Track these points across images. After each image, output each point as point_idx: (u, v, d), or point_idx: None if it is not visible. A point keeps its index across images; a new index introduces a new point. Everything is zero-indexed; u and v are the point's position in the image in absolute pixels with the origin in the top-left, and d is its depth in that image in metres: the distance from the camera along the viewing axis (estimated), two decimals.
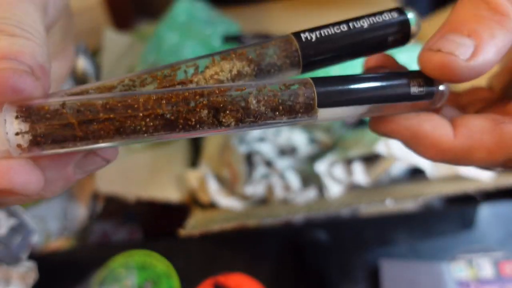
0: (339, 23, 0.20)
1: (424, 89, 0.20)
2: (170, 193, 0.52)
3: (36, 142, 0.16)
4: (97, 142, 0.16)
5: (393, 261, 0.46)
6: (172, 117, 0.17)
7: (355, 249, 0.47)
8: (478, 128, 0.19)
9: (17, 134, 0.16)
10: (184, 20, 0.58)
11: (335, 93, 0.18)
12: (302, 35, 0.20)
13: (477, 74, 0.18)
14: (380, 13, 0.20)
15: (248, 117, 0.17)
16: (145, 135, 0.17)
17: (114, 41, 0.62)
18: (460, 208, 0.52)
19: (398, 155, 0.46)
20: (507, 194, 0.51)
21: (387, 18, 0.20)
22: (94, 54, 0.59)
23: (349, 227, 0.49)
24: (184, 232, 0.45)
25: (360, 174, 0.48)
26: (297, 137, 0.53)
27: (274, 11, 0.67)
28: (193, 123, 0.17)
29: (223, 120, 0.17)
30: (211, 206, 0.51)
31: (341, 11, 0.62)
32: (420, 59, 0.19)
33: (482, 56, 0.17)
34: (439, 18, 0.58)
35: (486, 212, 0.50)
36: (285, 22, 0.64)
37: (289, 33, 0.21)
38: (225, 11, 0.65)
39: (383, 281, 0.44)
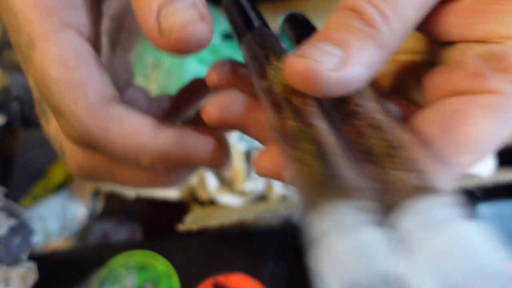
0: None
1: None
2: (170, 190, 0.52)
3: None
4: None
5: None
6: None
7: None
8: None
9: None
10: None
11: None
12: None
13: (343, 87, 0.16)
14: None
15: None
16: None
17: None
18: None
19: None
20: (506, 192, 0.51)
21: None
22: None
23: None
24: (182, 227, 0.45)
25: None
26: None
27: (272, 11, 0.66)
28: None
29: None
30: (211, 203, 0.51)
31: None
32: (285, 66, 0.17)
33: (351, 68, 0.16)
34: None
35: (485, 212, 0.50)
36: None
37: None
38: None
39: None
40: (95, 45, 0.20)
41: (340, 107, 0.17)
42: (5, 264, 0.44)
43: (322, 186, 0.14)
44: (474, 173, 0.49)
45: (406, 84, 0.21)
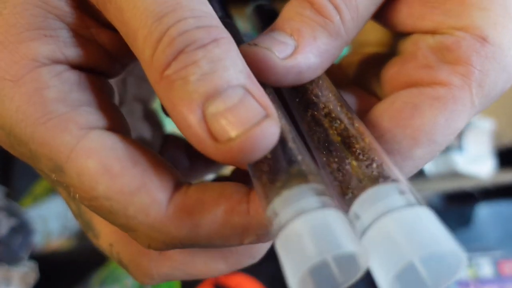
0: None
1: None
2: None
3: None
4: None
5: None
6: None
7: None
8: None
9: None
10: None
11: None
12: None
13: (295, 75, 0.16)
14: None
15: None
16: None
17: None
18: (458, 206, 0.52)
19: None
20: (505, 192, 0.51)
21: None
22: None
23: None
24: None
25: None
26: None
27: None
28: None
29: None
30: None
31: None
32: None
33: (302, 57, 0.16)
34: None
35: (485, 212, 0.50)
36: None
37: None
38: None
39: None
40: (123, 129, 0.17)
41: (298, 97, 0.17)
42: (6, 263, 0.44)
43: (281, 173, 0.13)
44: (473, 174, 0.49)
45: (367, 75, 0.21)
